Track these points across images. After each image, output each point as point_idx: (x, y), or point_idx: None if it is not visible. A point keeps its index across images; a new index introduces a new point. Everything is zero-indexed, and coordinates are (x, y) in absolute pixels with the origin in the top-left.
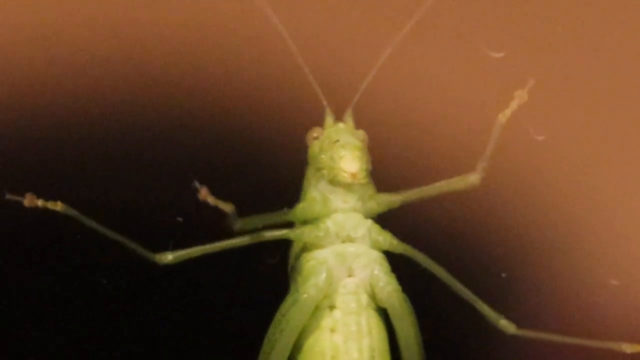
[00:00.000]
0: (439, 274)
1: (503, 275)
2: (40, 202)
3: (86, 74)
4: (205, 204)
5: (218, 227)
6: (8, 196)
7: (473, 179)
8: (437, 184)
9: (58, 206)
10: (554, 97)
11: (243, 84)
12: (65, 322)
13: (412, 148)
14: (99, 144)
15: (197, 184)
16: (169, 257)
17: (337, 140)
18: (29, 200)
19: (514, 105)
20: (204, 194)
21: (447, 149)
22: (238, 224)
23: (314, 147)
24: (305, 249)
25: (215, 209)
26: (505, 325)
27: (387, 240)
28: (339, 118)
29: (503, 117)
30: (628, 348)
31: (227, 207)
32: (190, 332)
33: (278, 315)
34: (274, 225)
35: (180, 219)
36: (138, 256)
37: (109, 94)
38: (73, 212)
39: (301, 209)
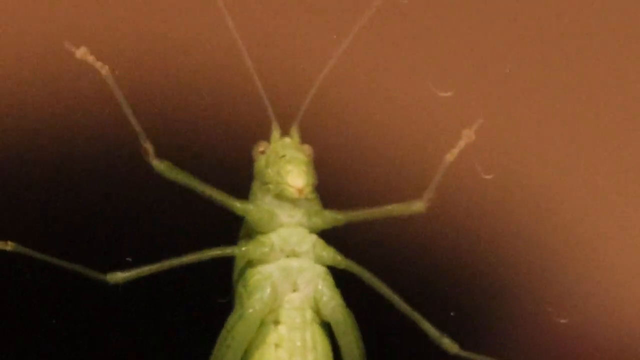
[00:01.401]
0: (383, 292)
1: (452, 314)
2: None
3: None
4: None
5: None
6: None
7: (419, 206)
8: (384, 208)
9: (8, 246)
10: (502, 136)
11: (189, 94)
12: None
13: (358, 165)
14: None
15: (69, 45)
16: (121, 276)
17: (284, 155)
18: None
19: (461, 144)
20: (82, 52)
21: (392, 170)
22: (161, 165)
23: (260, 162)
24: (250, 263)
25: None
26: (448, 344)
27: (331, 255)
28: (285, 133)
29: (450, 156)
30: None
31: (103, 70)
32: (136, 351)
33: (224, 332)
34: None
35: (129, 259)
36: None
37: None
38: (24, 250)
39: (246, 225)
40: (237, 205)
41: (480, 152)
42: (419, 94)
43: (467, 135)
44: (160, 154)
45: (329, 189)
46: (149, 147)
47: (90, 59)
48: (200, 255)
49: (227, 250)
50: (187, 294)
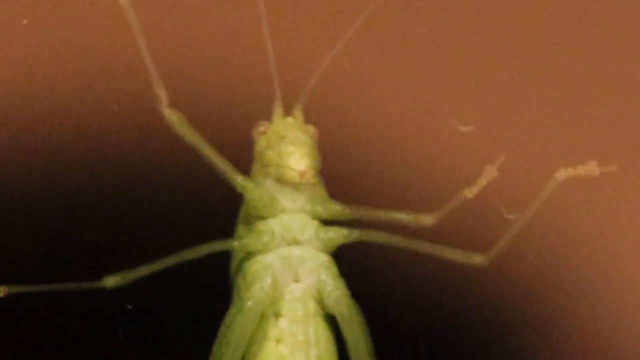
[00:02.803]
0: (401, 245)
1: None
2: None
3: None
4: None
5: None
6: None
7: (427, 220)
8: (392, 213)
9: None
10: (524, 171)
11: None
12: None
13: (363, 150)
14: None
15: None
16: (116, 279)
17: (285, 136)
18: None
19: (482, 181)
20: None
21: (402, 174)
22: (173, 116)
23: (261, 143)
24: (249, 254)
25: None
26: (478, 259)
27: (338, 232)
28: (288, 113)
29: (469, 193)
30: None
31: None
32: (136, 351)
33: (222, 328)
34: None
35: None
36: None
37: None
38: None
39: (245, 209)
40: (238, 180)
41: (502, 190)
42: (439, 128)
43: (489, 172)
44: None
45: (334, 179)
46: (163, 94)
47: None
48: (197, 251)
49: (225, 244)
50: (184, 293)
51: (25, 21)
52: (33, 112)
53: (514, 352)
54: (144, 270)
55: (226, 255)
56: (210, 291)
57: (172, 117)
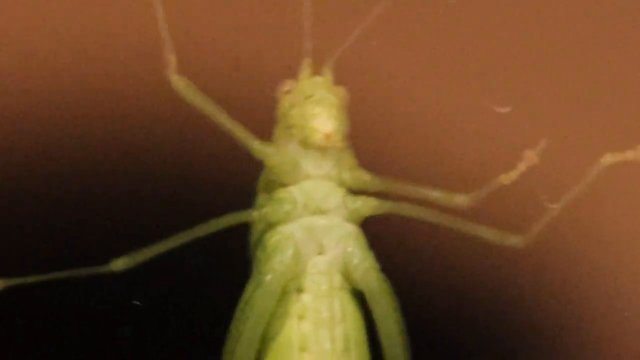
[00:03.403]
0: (433, 221)
1: None
2: None
3: None
4: None
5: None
6: None
7: (462, 200)
8: (424, 190)
9: None
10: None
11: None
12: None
13: (397, 124)
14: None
15: None
16: (124, 261)
17: (312, 95)
18: None
19: (521, 166)
20: None
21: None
22: (180, 82)
23: (285, 103)
24: (270, 225)
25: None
26: (514, 239)
27: (368, 203)
28: (317, 72)
29: (507, 179)
30: None
31: None
32: (150, 330)
33: (240, 304)
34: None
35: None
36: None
37: None
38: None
39: (265, 175)
40: (256, 146)
41: (544, 176)
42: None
43: (529, 158)
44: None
45: (363, 150)
46: (172, 59)
47: None
48: (212, 225)
49: (244, 216)
50: (199, 269)
51: None
52: (37, 81)
53: (542, 334)
54: (154, 250)
55: (243, 237)
56: (226, 278)
57: (179, 83)
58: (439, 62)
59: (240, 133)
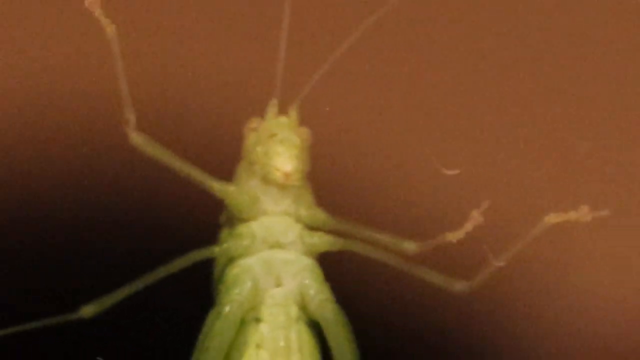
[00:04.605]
0: (382, 260)
1: None
2: None
3: None
4: None
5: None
6: None
7: (410, 247)
8: (375, 233)
9: None
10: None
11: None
12: None
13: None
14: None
15: None
16: (94, 306)
17: (276, 135)
18: None
19: (468, 226)
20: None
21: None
22: (138, 138)
23: (251, 139)
24: (231, 259)
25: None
26: (460, 286)
27: (323, 239)
28: (283, 112)
29: (453, 237)
30: None
31: (109, 28)
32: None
33: (200, 336)
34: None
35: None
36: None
37: None
38: None
39: (227, 212)
40: (215, 186)
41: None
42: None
43: (475, 218)
44: (145, 123)
45: (322, 187)
46: (132, 118)
47: (98, 12)
48: (176, 264)
49: (206, 252)
50: (165, 302)
51: None
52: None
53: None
54: (122, 292)
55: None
56: (193, 307)
57: (137, 139)
58: (403, 112)
59: (200, 176)
